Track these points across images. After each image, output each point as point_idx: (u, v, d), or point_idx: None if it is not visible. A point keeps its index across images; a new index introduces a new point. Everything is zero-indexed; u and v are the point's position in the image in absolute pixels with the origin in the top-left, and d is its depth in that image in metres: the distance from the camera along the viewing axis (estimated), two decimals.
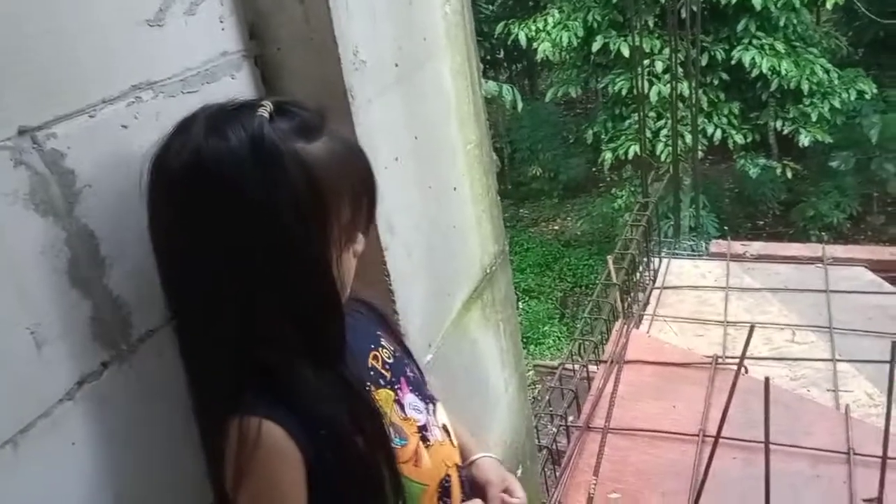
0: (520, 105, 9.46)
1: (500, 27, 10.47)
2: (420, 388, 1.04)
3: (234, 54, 1.04)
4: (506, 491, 1.07)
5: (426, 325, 1.30)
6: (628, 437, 2.55)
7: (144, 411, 0.89)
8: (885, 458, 2.03)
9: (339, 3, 1.03)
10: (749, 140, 9.35)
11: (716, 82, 8.90)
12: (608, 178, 14.49)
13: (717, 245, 4.35)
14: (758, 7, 8.14)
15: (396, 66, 1.18)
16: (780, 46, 8.38)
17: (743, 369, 2.74)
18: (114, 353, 0.86)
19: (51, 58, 0.79)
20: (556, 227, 15.57)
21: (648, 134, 8.28)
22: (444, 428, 1.04)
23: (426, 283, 1.30)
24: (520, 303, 12.94)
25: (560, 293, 13.23)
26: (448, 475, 1.00)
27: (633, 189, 9.99)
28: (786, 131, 9.01)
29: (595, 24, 9.19)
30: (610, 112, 10.26)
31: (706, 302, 3.79)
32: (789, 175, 9.80)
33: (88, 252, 0.83)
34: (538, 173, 15.74)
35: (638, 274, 4.05)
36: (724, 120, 9.03)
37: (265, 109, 0.80)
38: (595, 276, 11.94)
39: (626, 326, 3.13)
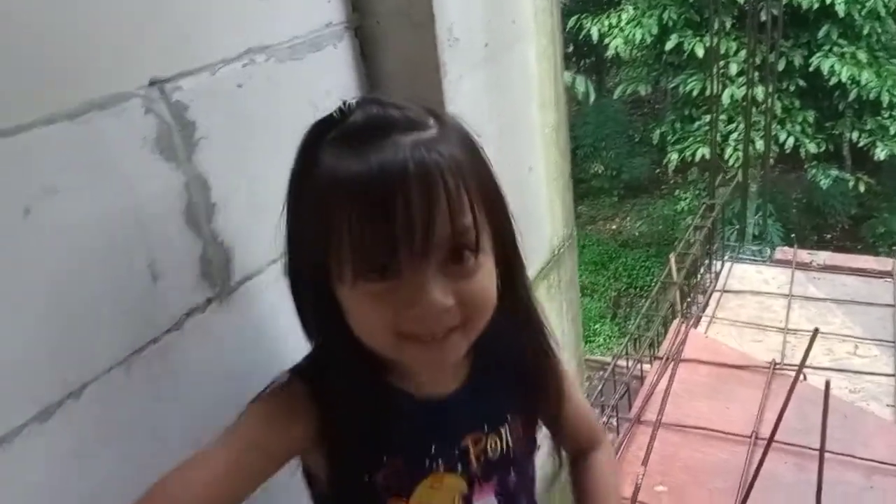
0: (592, 97, 9.42)
1: (572, 21, 10.42)
2: (513, 499, 0.88)
3: (337, 25, 1.10)
4: None
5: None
6: (679, 433, 2.55)
7: (238, 345, 0.97)
8: None
9: None
10: (822, 150, 9.12)
11: (792, 88, 8.70)
12: (672, 181, 14.29)
13: (782, 252, 4.28)
14: (841, 14, 7.92)
15: (486, 45, 1.23)
16: (861, 55, 8.14)
17: (802, 376, 2.73)
18: (217, 291, 0.93)
19: (182, 18, 0.86)
20: (615, 227, 15.44)
21: (718, 137, 8.16)
22: None
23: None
24: None
25: (614, 293, 13.15)
26: None
27: (696, 192, 9.84)
28: (861, 143, 8.76)
29: (670, 23, 9.07)
30: (679, 113, 10.11)
31: (768, 308, 3.75)
32: (862, 189, 9.52)
33: (202, 198, 0.90)
34: (600, 171, 15.62)
35: (699, 276, 4.03)
36: (798, 128, 8.82)
37: (343, 105, 0.74)
38: (651, 278, 11.83)
39: (684, 325, 3.12)
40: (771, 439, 1.98)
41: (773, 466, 2.32)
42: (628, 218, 15.08)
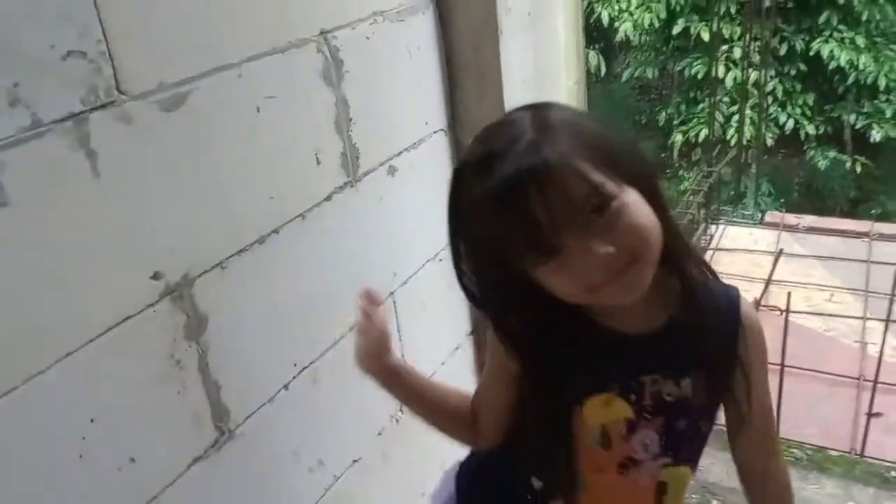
0: (603, 69, 9.78)
1: (584, 5, 10.77)
2: (675, 444, 0.93)
3: None
4: None
5: None
6: None
7: (362, 215, 1.42)
8: (875, 382, 2.46)
9: None
10: (821, 132, 9.48)
11: (793, 72, 9.05)
12: (677, 164, 14.66)
13: (771, 216, 4.71)
14: (841, 0, 8.26)
15: (529, 14, 1.66)
16: (860, 41, 8.50)
17: (777, 311, 3.17)
18: (350, 179, 1.38)
19: None
20: None
21: (720, 118, 8.55)
22: (661, 484, 0.95)
23: None
24: None
25: None
26: None
27: (699, 172, 10.22)
28: (859, 126, 9.12)
29: (678, 7, 9.41)
30: (684, 95, 10.50)
31: (756, 264, 4.17)
32: (858, 170, 9.89)
33: (344, 112, 1.34)
34: None
35: (696, 238, 4.44)
36: (798, 110, 9.19)
37: (467, 152, 0.88)
38: None
39: None
40: None
41: None
42: None
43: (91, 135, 0.92)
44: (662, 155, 15.14)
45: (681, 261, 0.88)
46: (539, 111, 0.84)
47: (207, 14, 1.07)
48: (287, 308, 1.27)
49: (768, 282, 3.82)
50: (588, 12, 10.54)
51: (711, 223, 4.64)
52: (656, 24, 9.57)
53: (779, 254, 3.93)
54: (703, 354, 0.91)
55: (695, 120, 9.93)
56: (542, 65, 1.75)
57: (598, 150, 0.80)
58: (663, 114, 11.01)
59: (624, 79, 11.80)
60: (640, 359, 0.91)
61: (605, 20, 10.00)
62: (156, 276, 1.03)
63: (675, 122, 11.29)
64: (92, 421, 0.97)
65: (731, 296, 0.95)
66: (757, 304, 3.26)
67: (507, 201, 0.78)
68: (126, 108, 0.96)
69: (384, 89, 1.43)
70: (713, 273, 0.95)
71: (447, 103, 1.64)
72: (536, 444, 0.96)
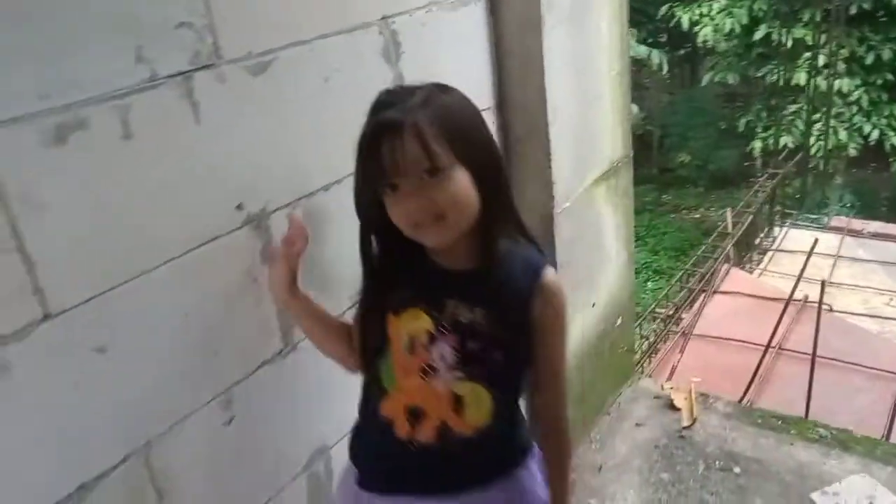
0: (665, 68, 9.79)
1: (664, 9, 10.77)
2: (468, 362, 1.14)
3: None
4: None
5: (567, 183, 1.99)
6: (715, 343, 3.10)
7: None
8: None
9: None
10: None
11: (879, 82, 8.83)
12: (759, 174, 14.40)
13: (837, 220, 4.71)
14: None
15: (571, 7, 1.86)
16: None
17: (827, 306, 3.24)
18: None
19: None
20: (698, 216, 15.58)
21: (801, 126, 8.44)
22: (456, 396, 1.15)
23: (571, 155, 1.98)
24: (649, 282, 13.27)
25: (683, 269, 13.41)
26: (420, 409, 1.17)
27: (783, 182, 10.07)
28: None
29: (760, 13, 9.33)
30: (766, 102, 10.37)
31: (815, 266, 4.20)
32: None
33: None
34: (686, 160, 15.77)
35: (758, 239, 4.50)
36: (884, 121, 8.96)
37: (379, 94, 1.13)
38: (711, 253, 12.04)
39: (731, 268, 3.64)
40: (768, 346, 2.54)
41: (790, 368, 2.86)
42: (713, 208, 15.13)
43: (195, 89, 1.18)
44: (745, 164, 14.89)
45: (490, 231, 1.13)
46: (437, 91, 1.11)
47: (289, 0, 1.32)
48: (345, 247, 1.51)
49: (824, 283, 3.86)
50: (668, 16, 10.57)
51: (776, 225, 4.67)
52: (737, 30, 9.50)
53: (837, 257, 3.97)
54: (496, 295, 1.14)
55: (774, 128, 9.81)
56: (583, 54, 1.95)
57: (451, 132, 1.07)
58: (743, 120, 10.88)
59: (703, 83, 11.70)
60: (447, 286, 1.16)
61: (686, 24, 10.00)
62: (240, 207, 1.29)
63: (757, 129, 11.14)
64: (186, 315, 1.23)
65: (536, 265, 1.17)
66: (805, 299, 3.33)
67: (374, 138, 1.07)
68: (222, 70, 1.22)
69: (436, 69, 1.66)
70: (537, 247, 1.21)
71: (495, 85, 1.86)
72: (363, 342, 1.22)
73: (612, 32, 2.07)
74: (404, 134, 1.04)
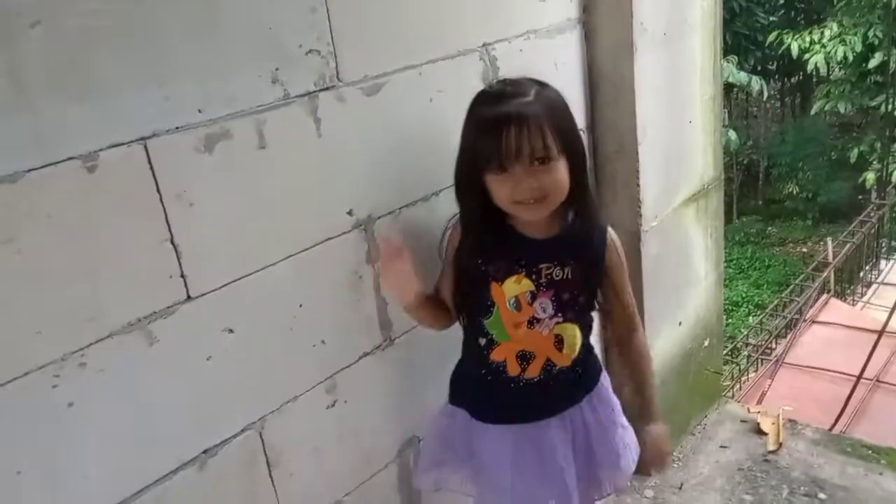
0: (765, 94, 9.52)
1: (772, 36, 10.51)
2: (565, 307, 1.41)
3: (573, 20, 1.88)
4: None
5: (656, 202, 2.06)
6: (809, 373, 3.05)
7: None
8: None
9: None
10: None
11: None
12: (872, 205, 13.69)
13: None
14: None
15: (664, 34, 1.95)
16: None
17: None
18: None
19: (499, 11, 1.68)
20: (805, 250, 14.93)
21: None
22: (558, 336, 1.43)
23: (660, 175, 2.06)
24: (751, 317, 12.82)
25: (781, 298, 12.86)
26: (530, 352, 1.43)
27: (892, 214, 9.57)
28: None
29: (875, 41, 8.97)
30: (880, 132, 9.90)
31: None
32: None
33: None
34: (795, 192, 15.18)
35: (863, 272, 4.35)
36: None
37: (490, 83, 1.47)
38: (810, 281, 11.49)
39: (831, 298, 3.56)
40: (860, 376, 2.49)
41: (884, 400, 2.78)
42: (822, 242, 14.52)
43: (318, 107, 1.36)
44: (859, 197, 14.19)
45: (579, 206, 1.40)
46: (542, 87, 1.34)
47: (401, 28, 1.48)
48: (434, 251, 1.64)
49: None
50: (777, 43, 10.29)
51: (882, 258, 4.51)
52: (850, 58, 9.15)
53: None
54: (578, 255, 1.41)
55: (889, 158, 9.35)
56: (674, 79, 2.02)
57: (559, 126, 1.30)
58: (856, 150, 10.42)
59: (813, 111, 11.28)
60: (539, 253, 1.40)
61: (795, 51, 9.70)
62: (350, 213, 1.45)
63: (870, 160, 10.66)
64: (300, 306, 1.40)
65: (603, 229, 1.47)
66: None
67: (496, 126, 1.27)
68: (341, 91, 1.39)
69: None
70: (604, 220, 1.50)
71: (588, 107, 1.96)
72: (468, 307, 1.45)
73: (705, 57, 2.14)
74: (529, 125, 1.27)
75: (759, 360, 3.23)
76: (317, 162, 1.37)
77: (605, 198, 2.04)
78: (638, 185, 1.97)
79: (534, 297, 1.40)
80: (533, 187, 1.29)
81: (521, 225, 1.41)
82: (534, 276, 1.40)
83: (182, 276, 1.21)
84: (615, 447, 1.54)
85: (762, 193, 16.59)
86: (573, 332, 1.45)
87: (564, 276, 1.41)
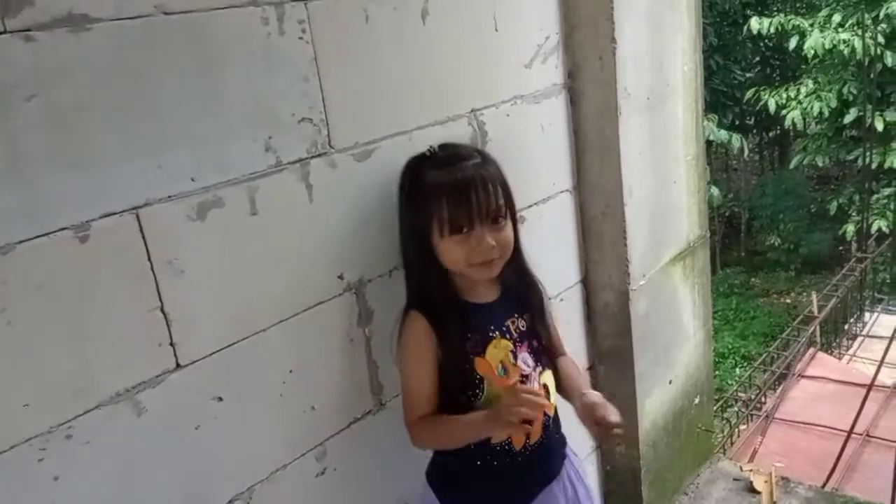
0: (746, 151, 9.72)
1: (750, 93, 10.79)
2: (538, 355, 1.47)
3: (558, 85, 1.93)
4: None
5: (643, 261, 2.08)
6: (799, 428, 3.04)
7: None
8: None
9: (620, 63, 1.87)
10: None
11: None
12: (853, 257, 13.88)
13: None
14: None
15: (648, 98, 2.00)
16: None
17: None
18: None
19: (487, 78, 1.72)
20: (789, 301, 15.03)
21: (894, 209, 8.18)
22: (545, 387, 1.46)
23: (647, 234, 2.08)
24: (737, 368, 12.81)
25: (767, 352, 12.86)
26: None
27: (874, 266, 9.71)
28: None
29: (850, 97, 9.23)
30: (858, 185, 10.11)
31: None
32: None
33: None
34: (777, 244, 15.36)
35: (847, 325, 4.38)
36: None
37: (429, 150, 1.43)
38: (796, 335, 11.54)
39: (818, 352, 3.57)
40: (851, 431, 2.49)
41: (875, 455, 2.77)
42: (804, 293, 14.63)
43: (310, 174, 1.37)
44: (840, 248, 14.38)
45: (517, 260, 1.47)
46: (478, 150, 1.48)
47: (392, 95, 1.51)
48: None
49: None
50: (754, 100, 10.57)
51: (866, 310, 4.55)
52: (826, 113, 9.41)
53: None
54: (527, 303, 1.49)
55: (867, 210, 9.52)
56: (658, 140, 2.07)
57: (505, 187, 1.40)
58: (835, 203, 10.62)
59: (792, 165, 11.53)
60: (499, 313, 1.45)
61: (773, 107, 9.96)
62: (341, 276, 1.45)
63: (850, 212, 10.84)
64: (291, 371, 1.38)
65: (535, 276, 1.52)
66: (894, 387, 3.23)
67: (463, 188, 1.33)
68: (333, 158, 1.41)
69: (518, 155, 1.81)
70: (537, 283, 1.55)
71: (573, 169, 2.00)
72: (458, 396, 1.40)
73: (687, 119, 2.19)
74: (490, 185, 1.34)
75: (750, 415, 3.22)
76: (308, 227, 1.38)
77: (592, 256, 2.06)
78: (625, 245, 1.99)
79: (515, 355, 1.43)
80: (492, 246, 1.35)
81: (468, 294, 1.45)
82: (507, 336, 1.44)
83: (171, 344, 1.20)
84: (589, 490, 1.58)
85: (744, 245, 16.76)
86: (551, 378, 1.50)
87: (528, 325, 1.48)
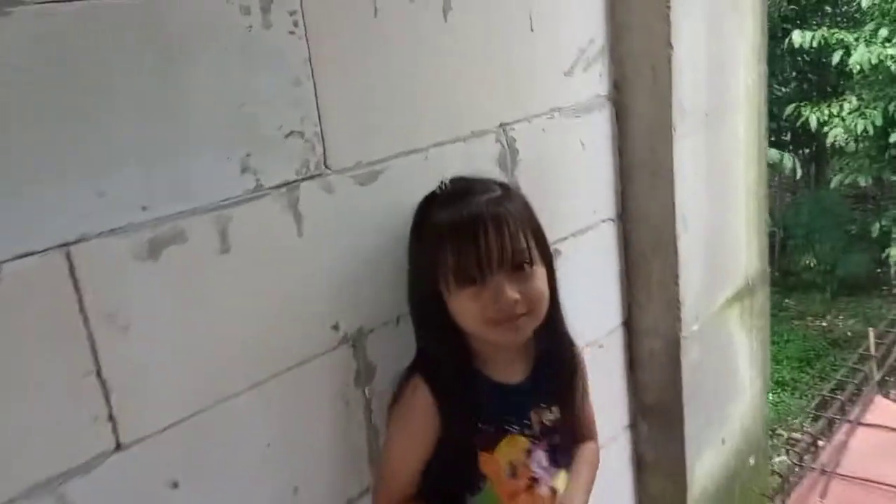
0: (798, 172, 9.32)
1: (790, 108, 10.38)
2: (556, 453, 1.18)
3: (602, 97, 1.65)
4: None
5: (696, 303, 1.79)
6: (861, 486, 2.70)
7: None
8: None
9: (677, 72, 1.59)
10: None
11: None
12: (894, 280, 13.31)
13: None
14: None
15: (706, 114, 1.71)
16: None
17: None
18: None
19: (518, 89, 1.45)
20: (825, 324, 14.51)
21: None
22: (554, 491, 1.18)
23: (702, 272, 1.79)
24: (771, 394, 12.33)
25: (818, 392, 12.39)
26: None
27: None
28: None
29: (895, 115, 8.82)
30: None
31: None
32: None
33: None
34: (812, 264, 14.86)
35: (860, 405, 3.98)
36: None
37: (441, 185, 1.14)
38: (866, 384, 11.07)
39: (876, 395, 3.23)
40: None
41: None
42: (841, 316, 14.11)
43: (300, 200, 1.11)
44: (878, 270, 13.86)
45: (554, 323, 1.16)
46: (500, 183, 1.14)
47: (403, 105, 1.24)
48: None
49: None
50: (795, 116, 10.16)
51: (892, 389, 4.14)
52: (871, 131, 8.99)
53: None
54: (561, 388, 1.19)
55: None
56: (717, 162, 1.78)
57: (533, 226, 1.10)
58: (877, 225, 10.17)
59: (833, 184, 11.10)
60: (526, 400, 1.16)
61: (814, 124, 9.56)
62: (336, 326, 1.18)
63: (894, 235, 10.38)
64: (268, 446, 1.11)
65: (575, 345, 1.23)
66: None
67: (468, 228, 1.03)
68: (329, 181, 1.14)
69: (554, 176, 1.54)
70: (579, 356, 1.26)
71: (617, 195, 1.71)
72: (457, 485, 1.14)
73: (749, 138, 1.90)
74: (508, 224, 1.04)
75: (800, 465, 2.90)
76: (296, 267, 1.12)
77: (637, 297, 1.77)
78: (677, 285, 1.70)
79: (529, 454, 1.15)
80: (516, 300, 1.04)
81: (488, 367, 1.15)
82: (527, 431, 1.15)
83: (111, 418, 0.94)
84: None
85: (778, 264, 16.27)
86: (563, 480, 1.21)
87: (556, 417, 1.18)
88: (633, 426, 1.88)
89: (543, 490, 1.16)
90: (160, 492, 0.99)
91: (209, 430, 1.04)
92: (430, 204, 1.13)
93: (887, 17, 9.01)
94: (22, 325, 0.86)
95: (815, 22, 11.88)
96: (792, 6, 11.66)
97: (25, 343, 0.86)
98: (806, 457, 2.99)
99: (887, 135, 9.04)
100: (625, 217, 1.74)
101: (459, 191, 1.10)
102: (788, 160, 9.29)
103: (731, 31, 1.79)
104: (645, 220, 1.71)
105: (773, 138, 13.53)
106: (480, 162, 1.38)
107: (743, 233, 1.93)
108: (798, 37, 8.83)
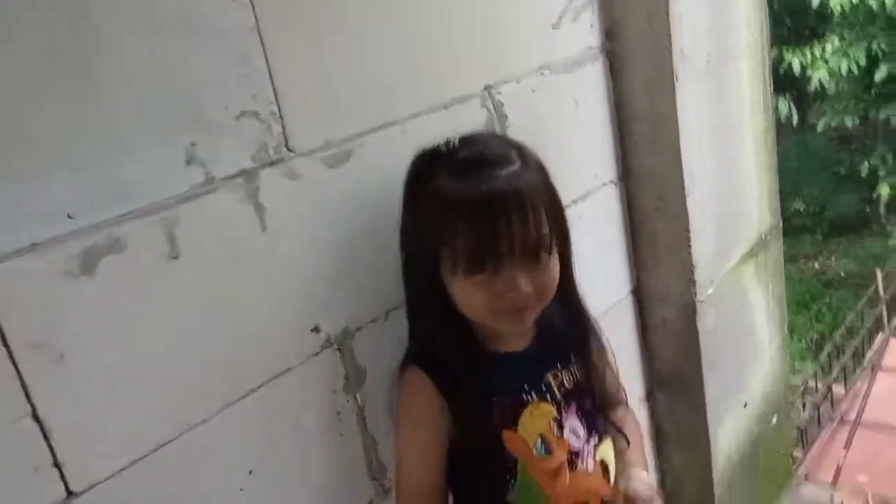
0: (795, 118, 9.16)
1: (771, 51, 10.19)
2: (592, 419, 1.08)
3: (594, 49, 1.49)
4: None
5: (710, 264, 1.65)
6: (882, 432, 2.61)
7: None
8: None
9: (675, 18, 1.44)
10: None
11: None
12: (884, 219, 13.27)
13: None
14: None
15: (707, 62, 1.56)
16: None
17: None
18: None
19: (503, 47, 1.29)
20: (818, 266, 14.49)
21: None
22: (603, 464, 1.08)
23: (714, 231, 1.65)
24: None
25: (817, 335, 12.37)
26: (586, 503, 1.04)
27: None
28: None
29: (879, 53, 8.65)
30: (892, 145, 9.55)
31: None
32: None
33: None
34: (801, 209, 14.81)
35: (869, 354, 3.90)
36: None
37: (447, 143, 0.97)
38: (860, 320, 11.04)
39: (890, 338, 3.13)
40: None
41: None
42: (833, 257, 14.11)
43: (260, 190, 0.95)
44: (867, 209, 13.80)
45: (568, 299, 1.05)
46: (516, 145, 0.98)
47: (376, 77, 1.09)
48: None
49: None
50: (777, 60, 9.97)
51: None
52: (855, 71, 8.83)
53: None
54: (576, 349, 1.08)
55: None
56: (723, 113, 1.63)
57: (552, 196, 0.96)
58: (866, 164, 10.07)
59: (820, 128, 10.96)
60: (537, 365, 1.05)
61: (797, 68, 9.38)
62: (316, 329, 1.04)
63: (882, 174, 10.28)
64: (250, 473, 0.98)
65: (591, 317, 1.12)
66: None
67: (485, 211, 0.89)
68: (293, 165, 0.99)
69: (548, 141, 1.37)
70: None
71: (617, 154, 1.57)
72: (481, 486, 1.01)
73: (754, 86, 1.75)
74: (526, 208, 0.90)
75: (819, 416, 2.80)
76: (261, 267, 0.97)
77: (648, 265, 1.63)
78: (689, 247, 1.57)
79: (560, 424, 1.03)
80: (527, 294, 0.93)
81: (489, 340, 1.03)
82: (548, 397, 1.04)
83: (55, 464, 0.79)
84: None
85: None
86: (609, 451, 1.11)
87: (576, 379, 1.08)
88: (650, 397, 1.76)
89: (590, 465, 1.05)
90: None
91: (178, 465, 0.89)
92: (432, 165, 0.96)
93: None
94: None
95: None
96: None
97: None
98: (822, 406, 2.89)
99: (871, 73, 8.87)
100: (627, 178, 1.59)
101: (474, 159, 0.93)
102: (784, 106, 9.10)
103: None
104: (649, 179, 1.56)
105: None
106: (465, 130, 1.23)
107: (754, 186, 1.79)
108: None
